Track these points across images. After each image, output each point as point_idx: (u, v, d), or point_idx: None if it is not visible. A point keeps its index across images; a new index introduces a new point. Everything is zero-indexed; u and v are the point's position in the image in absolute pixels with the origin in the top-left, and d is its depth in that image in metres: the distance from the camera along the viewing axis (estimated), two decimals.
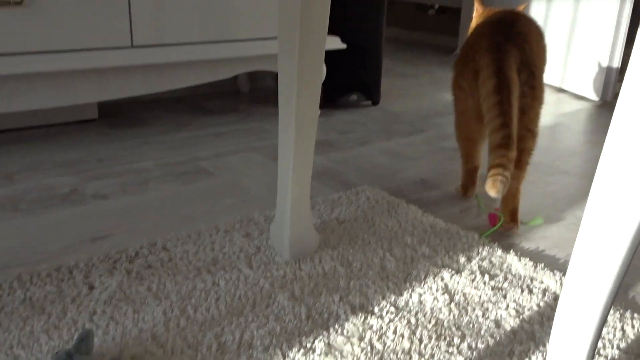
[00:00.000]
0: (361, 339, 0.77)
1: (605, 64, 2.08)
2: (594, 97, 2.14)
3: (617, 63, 2.08)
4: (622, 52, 2.08)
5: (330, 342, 0.76)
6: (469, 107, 1.14)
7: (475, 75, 1.07)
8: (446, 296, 0.87)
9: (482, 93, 1.05)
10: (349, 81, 1.90)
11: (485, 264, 0.97)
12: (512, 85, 1.03)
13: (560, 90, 2.32)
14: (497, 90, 1.02)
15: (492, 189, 0.97)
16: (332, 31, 1.81)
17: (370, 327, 0.79)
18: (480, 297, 0.87)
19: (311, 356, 0.73)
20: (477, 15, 1.34)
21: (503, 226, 1.09)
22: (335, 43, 1.73)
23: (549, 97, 2.20)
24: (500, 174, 0.97)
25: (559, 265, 0.99)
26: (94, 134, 1.57)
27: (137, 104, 1.89)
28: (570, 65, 2.25)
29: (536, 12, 2.41)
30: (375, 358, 0.74)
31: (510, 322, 0.82)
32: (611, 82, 2.10)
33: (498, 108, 1.01)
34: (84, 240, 1.01)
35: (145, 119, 1.73)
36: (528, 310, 0.85)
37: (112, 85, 1.38)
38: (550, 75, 2.36)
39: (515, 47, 1.06)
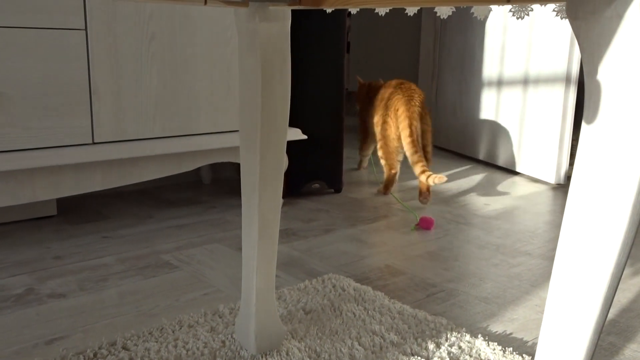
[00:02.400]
0: None
1: (556, 147, 2.17)
2: (549, 180, 2.21)
3: (567, 146, 2.18)
4: (571, 136, 2.18)
5: None
6: (392, 135, 1.94)
7: (396, 120, 1.91)
8: None
9: (402, 135, 1.89)
10: (312, 170, 1.93)
11: (454, 350, 0.95)
12: (417, 129, 1.89)
13: (516, 173, 2.40)
14: (410, 134, 1.86)
15: (438, 179, 1.77)
16: (293, 123, 1.86)
17: None
18: None
19: None
20: (361, 84, 2.30)
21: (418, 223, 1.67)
22: (297, 134, 1.77)
23: (505, 180, 2.27)
24: (430, 173, 1.80)
25: (527, 349, 0.98)
26: (52, 231, 1.53)
27: (98, 197, 1.87)
28: (524, 150, 2.34)
29: (487, 100, 2.53)
30: None
31: None
32: (563, 165, 2.19)
33: (412, 143, 1.86)
34: (38, 342, 0.96)
35: (106, 212, 1.71)
36: None
37: (71, 182, 1.37)
38: (506, 159, 2.44)
39: (415, 104, 1.90)
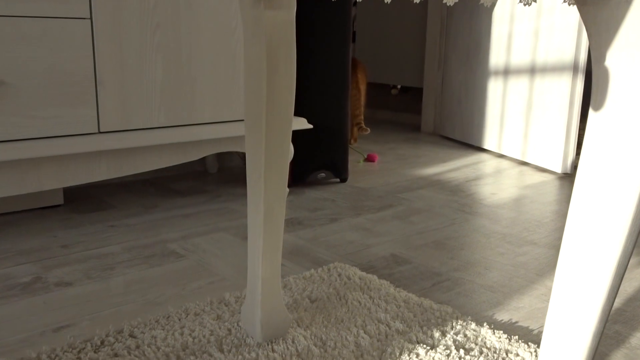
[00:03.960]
0: None
1: (563, 137, 2.16)
2: (556, 169, 2.20)
3: (574, 136, 2.17)
4: (578, 125, 2.16)
5: None
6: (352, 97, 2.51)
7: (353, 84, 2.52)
8: None
9: (353, 94, 2.51)
10: (317, 160, 1.93)
11: (460, 337, 0.95)
12: (365, 91, 2.57)
13: (523, 163, 2.39)
14: (364, 94, 2.58)
15: (365, 131, 2.54)
16: (298, 112, 1.86)
17: None
18: None
19: None
20: None
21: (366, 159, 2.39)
22: (302, 124, 1.76)
23: (512, 170, 2.26)
24: (363, 127, 2.55)
25: (532, 337, 0.98)
26: (59, 220, 1.54)
27: (104, 187, 1.87)
28: (530, 139, 2.33)
29: (494, 89, 2.52)
30: None
31: None
32: (570, 155, 2.18)
33: (360, 100, 2.55)
34: (46, 330, 0.97)
35: (112, 202, 1.71)
36: None
37: (77, 171, 1.37)
38: (512, 148, 2.43)
39: (365, 73, 2.58)
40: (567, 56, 2.13)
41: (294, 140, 1.86)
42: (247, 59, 0.84)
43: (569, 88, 2.13)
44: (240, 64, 1.64)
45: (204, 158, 2.15)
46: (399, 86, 3.67)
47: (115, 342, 0.92)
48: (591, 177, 0.53)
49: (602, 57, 0.49)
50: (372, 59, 3.74)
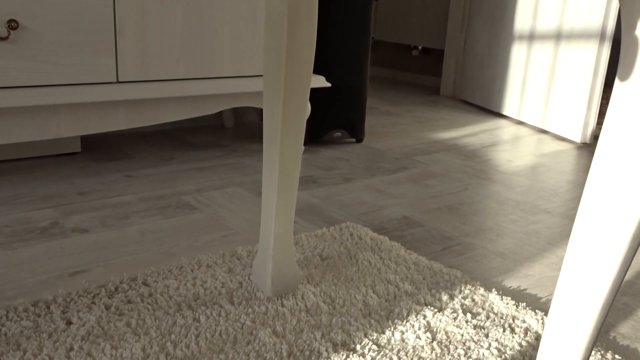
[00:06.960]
0: None
1: (584, 106, 2.13)
2: (575, 139, 2.18)
3: (596, 105, 2.13)
4: (601, 95, 2.13)
5: None
6: None
7: None
8: (428, 334, 0.86)
9: None
10: (334, 119, 1.92)
11: (467, 302, 0.96)
12: None
13: (542, 131, 2.36)
14: None
15: None
16: (317, 70, 1.84)
17: None
18: (462, 335, 0.87)
19: None
20: None
21: None
22: (320, 82, 1.75)
23: (530, 137, 2.24)
24: None
25: (540, 305, 0.99)
26: (76, 167, 1.56)
27: (121, 137, 1.88)
28: (551, 107, 2.30)
29: (517, 55, 2.47)
30: None
31: None
32: (590, 124, 2.15)
33: None
34: (62, 274, 0.99)
35: (129, 152, 1.72)
36: (510, 349, 0.85)
37: (95, 120, 1.38)
38: (532, 115, 2.40)
39: None
40: (595, 23, 2.08)
41: (311, 99, 1.85)
42: (268, 12, 0.83)
43: (595, 56, 2.09)
44: (262, 18, 1.62)
45: (220, 112, 2.15)
46: (420, 47, 3.62)
47: (128, 289, 0.94)
48: (613, 148, 0.53)
49: (633, 25, 0.48)
50: (394, 18, 3.67)
